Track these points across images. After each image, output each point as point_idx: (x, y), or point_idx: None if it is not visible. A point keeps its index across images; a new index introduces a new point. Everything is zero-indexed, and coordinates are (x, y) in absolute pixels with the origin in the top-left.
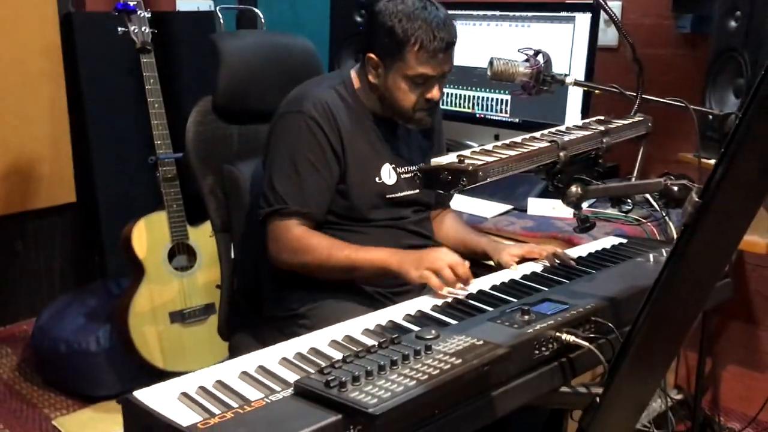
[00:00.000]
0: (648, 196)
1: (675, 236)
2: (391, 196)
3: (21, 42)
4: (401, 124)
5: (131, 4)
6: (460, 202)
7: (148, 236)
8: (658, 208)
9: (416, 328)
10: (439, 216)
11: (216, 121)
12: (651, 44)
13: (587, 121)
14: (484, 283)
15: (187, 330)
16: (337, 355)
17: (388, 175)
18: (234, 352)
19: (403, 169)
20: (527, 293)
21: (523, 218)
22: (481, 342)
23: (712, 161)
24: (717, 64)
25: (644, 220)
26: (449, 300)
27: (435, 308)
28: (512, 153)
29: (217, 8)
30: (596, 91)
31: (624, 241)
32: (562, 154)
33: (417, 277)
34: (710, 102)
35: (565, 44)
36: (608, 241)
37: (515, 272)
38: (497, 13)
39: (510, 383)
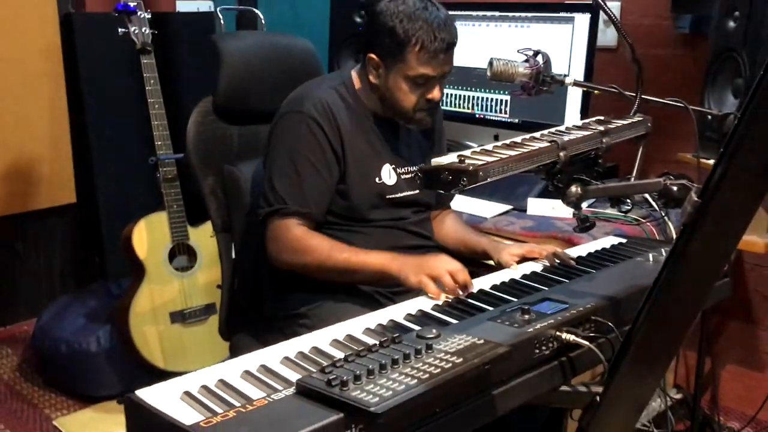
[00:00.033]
0: (647, 196)
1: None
2: (391, 196)
3: (21, 42)
4: (402, 124)
5: (131, 4)
6: (459, 202)
7: (148, 237)
8: (657, 208)
9: (417, 328)
10: (440, 216)
11: (217, 122)
12: (650, 45)
13: (587, 121)
14: (485, 282)
15: (188, 330)
16: (339, 355)
17: (388, 175)
18: (234, 352)
19: (403, 170)
20: (527, 293)
21: (523, 218)
22: (481, 341)
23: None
24: (716, 64)
25: (643, 220)
26: (450, 299)
27: (436, 308)
28: (512, 153)
29: (218, 9)
30: (595, 92)
31: (623, 240)
32: (562, 154)
33: (416, 282)
34: (709, 102)
35: (564, 45)
36: (608, 241)
37: (515, 272)
38: (497, 13)
39: (510, 382)
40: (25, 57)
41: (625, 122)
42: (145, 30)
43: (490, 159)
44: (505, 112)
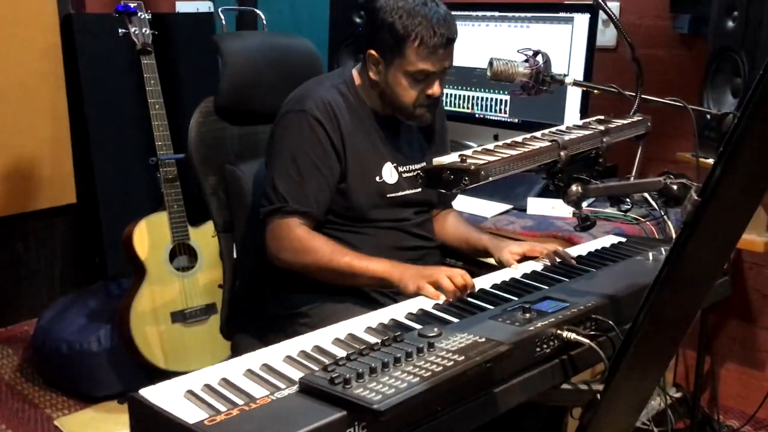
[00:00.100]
0: (647, 195)
1: (673, 235)
2: (392, 195)
3: (21, 43)
4: (402, 120)
5: (132, 5)
6: (459, 201)
7: (149, 237)
8: (656, 207)
9: (419, 326)
10: (441, 215)
11: (218, 122)
12: (649, 44)
13: (587, 120)
14: (486, 281)
15: (189, 330)
16: (341, 353)
17: (389, 174)
18: (236, 352)
19: (404, 168)
20: (528, 291)
21: (523, 217)
22: (483, 339)
23: (710, 160)
24: (715, 64)
25: (643, 219)
26: (451, 299)
27: (437, 307)
28: (513, 152)
29: (219, 9)
30: (595, 91)
31: (623, 240)
32: (562, 153)
33: (414, 289)
34: (708, 102)
35: (563, 44)
36: (608, 240)
37: (516, 271)
38: (496, 13)
39: (511, 380)
40: (25, 58)
41: (625, 122)
42: (146, 31)
43: (491, 158)
44: (505, 112)
